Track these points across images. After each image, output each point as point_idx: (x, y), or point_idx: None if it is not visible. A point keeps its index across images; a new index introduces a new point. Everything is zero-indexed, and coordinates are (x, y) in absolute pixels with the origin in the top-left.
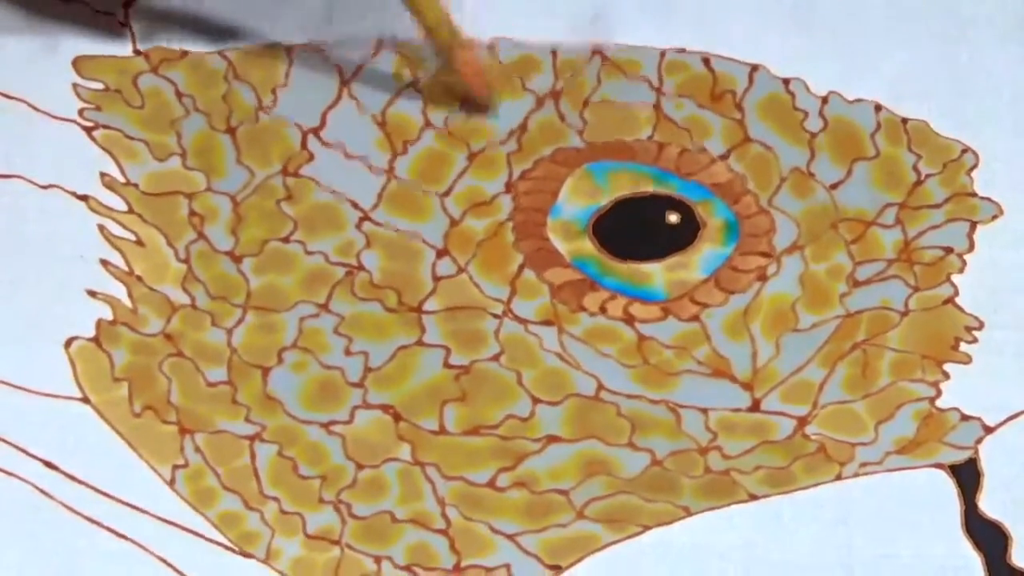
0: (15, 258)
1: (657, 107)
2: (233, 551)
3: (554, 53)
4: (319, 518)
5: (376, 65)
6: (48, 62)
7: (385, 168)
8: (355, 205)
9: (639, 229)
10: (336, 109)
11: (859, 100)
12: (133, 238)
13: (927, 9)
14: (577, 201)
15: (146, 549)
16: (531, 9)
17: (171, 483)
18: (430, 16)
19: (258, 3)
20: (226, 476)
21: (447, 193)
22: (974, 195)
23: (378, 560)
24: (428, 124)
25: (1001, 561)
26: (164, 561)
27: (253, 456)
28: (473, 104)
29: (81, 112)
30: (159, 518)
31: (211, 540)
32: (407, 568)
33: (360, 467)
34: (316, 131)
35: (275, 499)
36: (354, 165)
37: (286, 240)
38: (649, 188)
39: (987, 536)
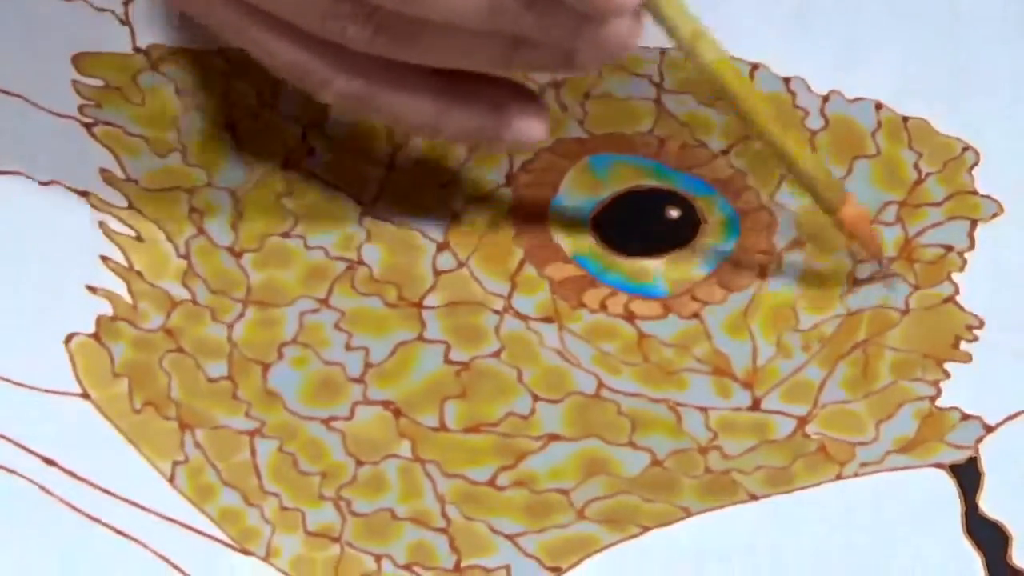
0: (15, 255)
1: (658, 102)
2: (233, 548)
3: None
4: (319, 515)
5: None
6: (48, 59)
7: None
8: (356, 199)
9: (640, 224)
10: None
11: (859, 99)
12: (133, 234)
13: (927, 7)
14: (578, 194)
15: (146, 546)
16: None
17: (171, 479)
18: (809, 174)
19: None
20: (226, 472)
21: (447, 184)
22: (975, 193)
23: (378, 559)
24: None
25: (1001, 561)
26: (164, 558)
27: (253, 452)
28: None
29: (81, 109)
30: (159, 514)
31: (211, 537)
32: (407, 567)
33: (360, 463)
34: (317, 124)
35: (275, 495)
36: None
37: (286, 235)
38: (650, 182)
39: (987, 536)
